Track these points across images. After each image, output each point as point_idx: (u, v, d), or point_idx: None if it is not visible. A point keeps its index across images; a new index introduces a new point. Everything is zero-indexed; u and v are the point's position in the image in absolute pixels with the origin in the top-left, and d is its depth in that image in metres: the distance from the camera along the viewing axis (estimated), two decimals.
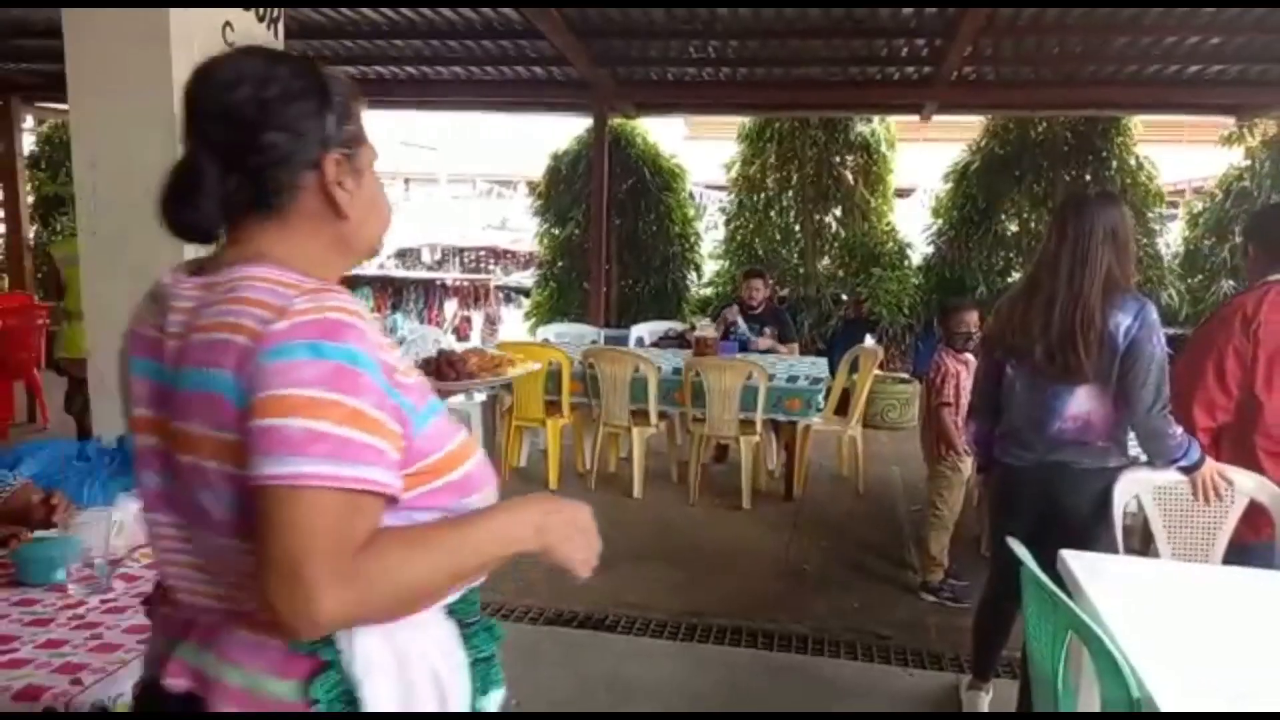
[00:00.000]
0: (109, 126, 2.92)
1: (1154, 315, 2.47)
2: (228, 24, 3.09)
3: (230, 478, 0.98)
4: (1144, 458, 2.63)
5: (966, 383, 3.77)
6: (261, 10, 3.25)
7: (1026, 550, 1.87)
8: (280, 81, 1.08)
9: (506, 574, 4.09)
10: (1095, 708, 1.71)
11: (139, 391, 1.10)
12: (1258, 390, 2.56)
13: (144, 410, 1.09)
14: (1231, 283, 7.79)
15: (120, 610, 1.67)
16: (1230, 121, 7.90)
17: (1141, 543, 2.84)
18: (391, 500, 1.01)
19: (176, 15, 2.85)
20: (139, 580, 1.81)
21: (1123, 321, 2.44)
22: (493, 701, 1.19)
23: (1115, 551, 2.44)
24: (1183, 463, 2.52)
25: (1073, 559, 2.14)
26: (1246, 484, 2.56)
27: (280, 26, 3.37)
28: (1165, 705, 1.50)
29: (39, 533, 1.96)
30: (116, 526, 1.91)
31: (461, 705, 1.13)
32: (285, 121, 1.07)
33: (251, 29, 3.21)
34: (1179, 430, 2.51)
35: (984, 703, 3.02)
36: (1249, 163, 8.08)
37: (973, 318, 4.03)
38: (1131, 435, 2.61)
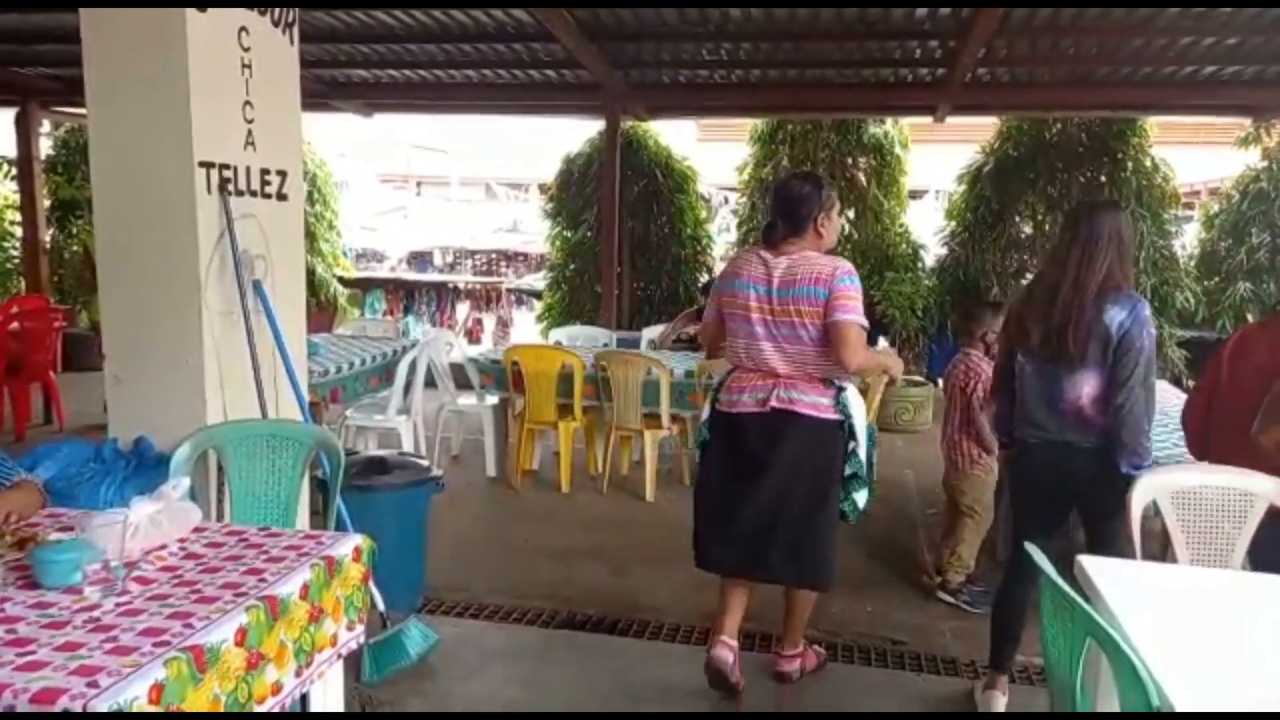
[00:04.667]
0: (127, 131, 2.93)
1: (1146, 311, 2.72)
2: (243, 29, 3.11)
3: (817, 325, 2.82)
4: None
5: None
6: (276, 14, 3.27)
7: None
8: (810, 186, 2.93)
9: (522, 577, 4.10)
10: None
11: (750, 298, 2.89)
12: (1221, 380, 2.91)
13: (756, 304, 2.88)
14: (1248, 285, 7.72)
15: (135, 613, 1.67)
16: (1247, 122, 7.83)
17: (1160, 547, 2.82)
18: (865, 330, 2.86)
19: (193, 21, 2.86)
20: (154, 583, 1.82)
21: (1117, 315, 2.69)
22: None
23: (1127, 527, 2.56)
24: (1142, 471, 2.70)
25: (1090, 564, 2.12)
26: (1266, 488, 2.54)
27: (295, 31, 3.39)
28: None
29: (55, 535, 1.97)
30: (132, 529, 1.91)
31: (864, 432, 3.01)
32: (812, 201, 2.90)
33: (267, 34, 3.23)
34: (1149, 441, 2.78)
35: (1000, 705, 3.00)
36: (1265, 164, 8.01)
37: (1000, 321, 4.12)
38: None
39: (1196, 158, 9.91)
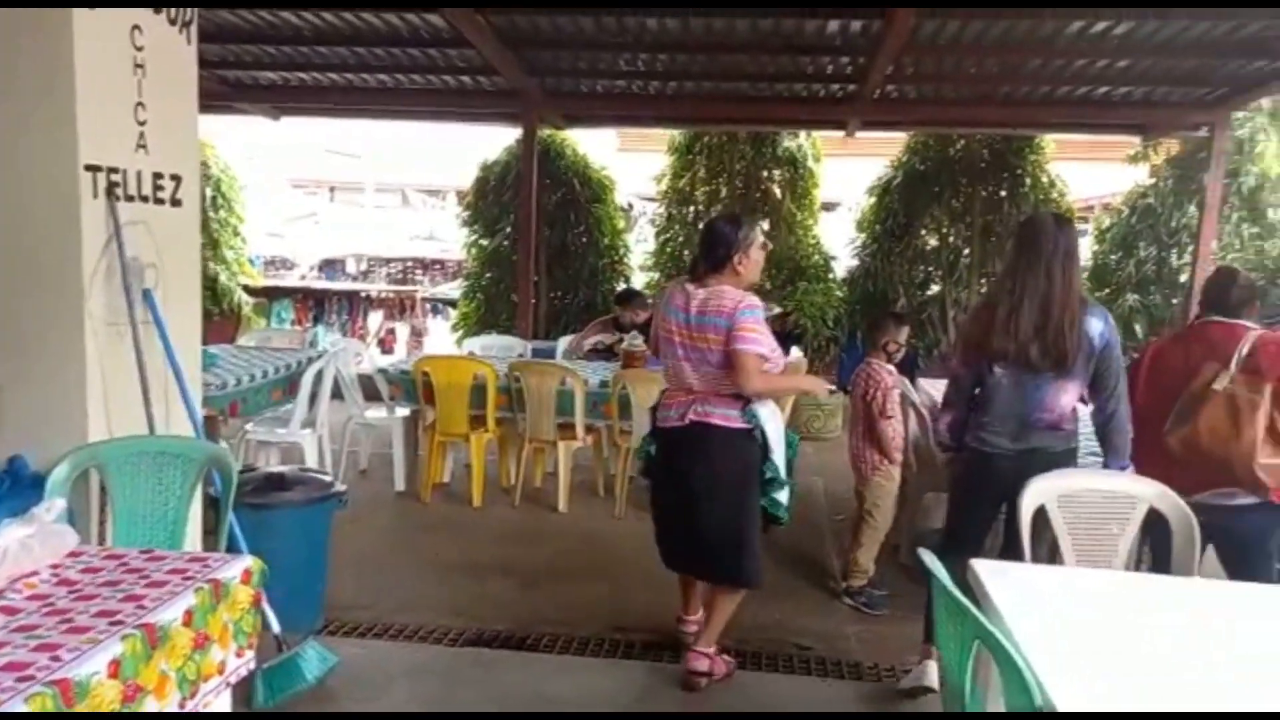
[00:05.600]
0: (5, 131, 2.77)
1: (1113, 322, 2.93)
2: (136, 27, 2.98)
3: (721, 350, 3.08)
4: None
5: (897, 394, 4.09)
6: (173, 13, 3.15)
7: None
8: (730, 228, 3.19)
9: (430, 594, 4.01)
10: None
11: (673, 324, 3.19)
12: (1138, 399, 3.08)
13: (677, 329, 3.17)
14: (1137, 296, 8.10)
15: None
16: (1137, 141, 8.24)
17: (1049, 550, 2.92)
18: (764, 359, 3.09)
19: (80, 17, 2.72)
20: (21, 613, 1.71)
21: (1096, 327, 2.85)
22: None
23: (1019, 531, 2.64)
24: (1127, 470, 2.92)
25: (981, 567, 2.18)
26: (1148, 492, 2.66)
27: (193, 30, 3.27)
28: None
29: None
30: None
31: (779, 439, 3.24)
32: (729, 241, 3.16)
33: (162, 33, 3.10)
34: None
35: (932, 674, 3.12)
36: (1153, 180, 8.44)
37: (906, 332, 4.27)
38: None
39: (1090, 173, 10.37)
